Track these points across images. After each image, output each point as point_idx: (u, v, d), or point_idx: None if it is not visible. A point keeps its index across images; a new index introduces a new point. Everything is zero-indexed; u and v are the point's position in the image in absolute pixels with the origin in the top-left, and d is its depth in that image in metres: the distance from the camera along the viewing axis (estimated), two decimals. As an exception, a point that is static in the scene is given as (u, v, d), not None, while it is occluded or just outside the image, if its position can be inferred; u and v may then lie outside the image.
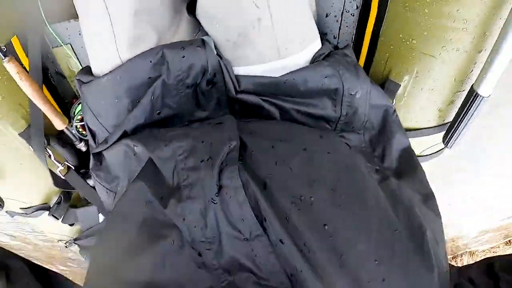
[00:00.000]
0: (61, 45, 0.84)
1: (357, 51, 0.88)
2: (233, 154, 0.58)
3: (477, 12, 0.69)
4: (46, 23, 0.81)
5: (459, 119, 0.81)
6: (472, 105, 0.78)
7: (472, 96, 0.77)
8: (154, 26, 0.68)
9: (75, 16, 0.80)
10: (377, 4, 0.80)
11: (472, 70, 0.77)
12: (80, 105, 0.87)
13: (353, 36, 0.89)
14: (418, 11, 0.75)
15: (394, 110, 0.80)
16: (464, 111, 0.79)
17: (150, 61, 0.67)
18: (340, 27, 0.88)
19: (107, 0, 0.63)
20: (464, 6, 0.69)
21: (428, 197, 0.69)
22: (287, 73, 0.71)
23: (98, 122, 0.75)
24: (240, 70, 0.72)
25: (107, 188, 0.80)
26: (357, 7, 0.84)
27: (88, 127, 0.79)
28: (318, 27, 0.78)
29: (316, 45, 0.75)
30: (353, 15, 0.86)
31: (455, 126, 0.82)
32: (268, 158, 0.59)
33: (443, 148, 0.96)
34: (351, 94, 0.72)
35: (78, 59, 0.90)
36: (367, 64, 0.88)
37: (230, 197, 0.55)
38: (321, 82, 0.70)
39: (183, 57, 0.67)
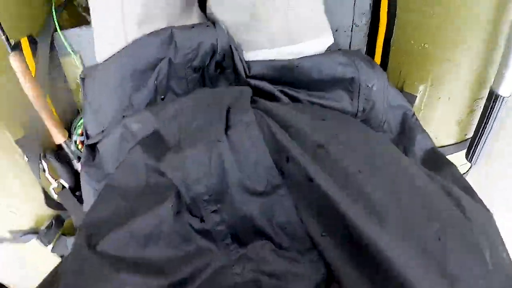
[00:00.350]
0: (70, 53, 0.83)
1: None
2: (245, 96, 0.54)
3: (486, 7, 0.68)
4: (58, 28, 0.82)
5: (482, 126, 0.76)
6: (494, 108, 0.74)
7: (492, 98, 0.73)
8: (164, 10, 0.66)
9: (88, 22, 0.80)
10: (386, 13, 0.81)
11: (488, 72, 0.74)
12: (82, 119, 0.84)
13: (365, 50, 0.88)
14: (427, 14, 0.75)
15: (414, 114, 0.75)
16: (486, 116, 0.75)
17: (158, 39, 0.64)
18: (350, 41, 0.87)
19: None
20: (473, 3, 0.69)
21: (469, 190, 0.58)
22: (300, 58, 0.67)
23: (97, 121, 0.71)
24: (250, 55, 0.69)
25: (94, 189, 0.73)
26: (367, 21, 0.85)
27: (86, 132, 0.74)
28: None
29: (328, 38, 0.72)
30: (363, 29, 0.86)
31: (478, 135, 0.77)
32: (287, 109, 0.54)
33: (468, 170, 0.90)
34: (368, 86, 0.67)
35: (85, 72, 0.89)
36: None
37: (240, 134, 0.48)
38: (335, 69, 0.66)
39: (193, 35, 0.65)
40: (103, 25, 0.67)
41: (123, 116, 0.66)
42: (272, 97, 0.66)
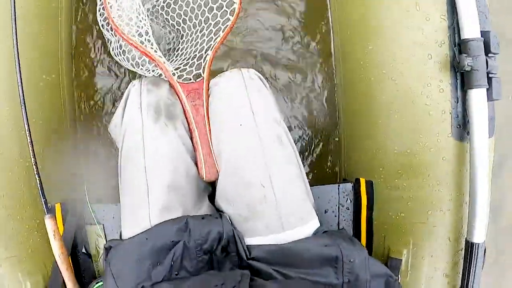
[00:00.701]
0: (95, 224, 0.93)
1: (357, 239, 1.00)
2: (244, 280, 0.67)
3: (446, 172, 0.89)
4: (88, 201, 0.94)
5: (467, 275, 0.85)
6: (473, 255, 0.85)
7: (469, 247, 0.85)
8: (181, 202, 0.83)
9: (113, 200, 0.95)
10: (365, 192, 1.00)
11: (462, 225, 0.89)
12: (98, 284, 0.88)
13: (351, 225, 1.02)
14: (398, 187, 0.95)
15: (396, 279, 0.84)
16: (468, 264, 0.85)
17: (175, 227, 0.79)
18: (338, 221, 1.03)
19: (148, 175, 0.82)
20: (435, 169, 0.90)
21: None
22: (292, 241, 0.81)
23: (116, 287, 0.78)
24: (250, 240, 0.83)
25: None
26: (351, 201, 1.03)
27: None
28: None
29: (315, 223, 0.87)
30: (348, 208, 1.03)
31: (465, 284, 0.85)
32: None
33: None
34: (350, 261, 0.78)
35: (107, 240, 0.96)
36: (368, 249, 0.97)
37: None
38: (321, 250, 0.79)
39: (203, 225, 0.80)
40: (131, 208, 0.83)
41: (142, 287, 0.75)
42: (268, 275, 0.78)
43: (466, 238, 0.87)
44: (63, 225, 0.91)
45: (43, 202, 0.85)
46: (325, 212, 1.03)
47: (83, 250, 0.96)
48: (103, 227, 0.96)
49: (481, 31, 0.82)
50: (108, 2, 0.88)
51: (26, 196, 0.92)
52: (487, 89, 0.83)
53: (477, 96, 0.82)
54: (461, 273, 0.88)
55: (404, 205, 0.94)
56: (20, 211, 0.91)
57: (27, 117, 0.83)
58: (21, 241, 0.90)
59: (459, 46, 0.84)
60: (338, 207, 1.04)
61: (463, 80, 0.85)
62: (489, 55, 0.82)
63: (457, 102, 0.87)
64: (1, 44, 0.90)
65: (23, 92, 0.83)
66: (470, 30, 0.81)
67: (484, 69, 0.81)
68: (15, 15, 0.83)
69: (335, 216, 1.04)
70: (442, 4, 0.85)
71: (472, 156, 0.84)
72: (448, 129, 0.88)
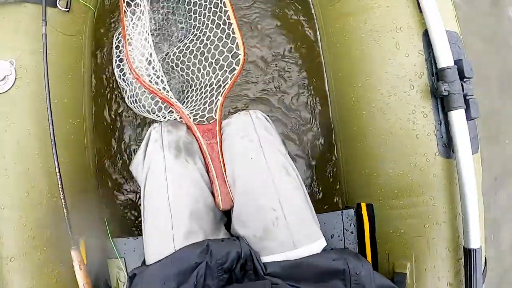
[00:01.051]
0: (117, 258, 0.98)
1: (363, 259, 1.06)
2: None
3: (437, 187, 0.99)
4: (109, 236, 1.00)
5: (469, 281, 0.92)
6: (471, 261, 0.92)
7: (467, 254, 0.93)
8: (202, 228, 0.91)
9: (132, 234, 1.01)
10: (366, 215, 1.08)
11: (459, 234, 0.97)
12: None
13: (357, 248, 1.09)
14: (396, 206, 1.04)
15: None
16: (469, 271, 0.92)
17: (198, 249, 0.86)
18: (344, 245, 1.09)
19: (172, 205, 0.90)
20: (428, 186, 1.00)
21: None
22: (303, 257, 0.88)
23: None
24: (265, 258, 0.90)
25: None
26: (354, 225, 1.11)
27: None
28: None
29: (322, 241, 0.95)
30: (353, 232, 1.10)
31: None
32: None
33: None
34: (356, 274, 0.86)
35: (127, 273, 1.00)
36: (374, 267, 1.03)
37: None
38: (330, 264, 0.87)
39: (223, 246, 0.87)
40: (156, 236, 0.91)
41: None
42: None
43: (463, 246, 0.95)
44: (86, 258, 0.96)
45: (70, 235, 0.91)
46: (331, 237, 1.11)
47: (105, 283, 1.00)
48: (124, 261, 1.01)
49: (454, 60, 0.96)
50: (130, 55, 1.01)
51: (53, 229, 0.97)
52: (465, 110, 0.95)
53: (456, 117, 0.94)
54: (463, 280, 0.95)
55: (403, 222, 1.02)
56: (47, 242, 0.96)
57: (57, 155, 0.92)
58: (47, 272, 0.94)
59: (437, 75, 0.98)
60: (343, 232, 1.11)
61: (443, 104, 0.98)
62: (464, 80, 0.95)
63: (440, 124, 0.99)
64: (35, 94, 1.00)
65: (53, 133, 0.92)
66: (444, 60, 0.95)
67: (460, 92, 0.94)
68: (47, 69, 0.95)
69: (341, 240, 1.11)
70: (418, 41, 1.00)
71: (459, 171, 0.95)
72: (435, 148, 0.99)
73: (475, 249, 0.92)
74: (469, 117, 0.95)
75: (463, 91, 0.95)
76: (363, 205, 1.10)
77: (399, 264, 1.01)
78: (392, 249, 1.04)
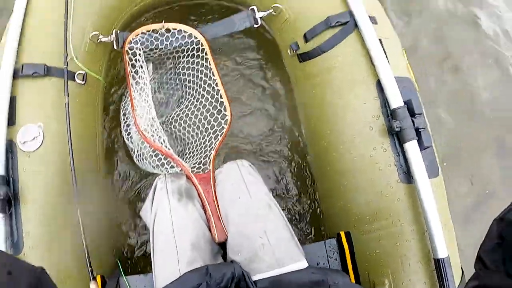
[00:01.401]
0: (130, 293, 1.11)
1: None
2: None
3: (403, 210, 1.15)
4: (123, 275, 1.13)
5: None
6: (442, 271, 1.06)
7: (437, 264, 1.07)
8: (202, 257, 1.07)
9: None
10: (346, 242, 1.23)
11: (428, 250, 1.11)
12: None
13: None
14: (370, 230, 1.20)
15: None
16: (442, 281, 1.05)
17: (199, 273, 1.01)
18: (329, 270, 1.23)
19: (177, 239, 1.07)
20: (394, 210, 1.16)
21: None
22: (286, 273, 1.04)
23: None
24: (256, 276, 1.05)
25: None
26: (336, 252, 1.26)
27: None
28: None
29: (304, 263, 1.09)
30: (336, 259, 1.25)
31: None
32: None
33: None
34: (335, 283, 1.01)
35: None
36: (357, 288, 1.17)
37: None
38: (310, 276, 1.03)
39: (220, 268, 1.01)
40: (164, 266, 1.07)
41: None
42: None
43: (433, 257, 1.09)
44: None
45: (89, 271, 1.05)
46: (317, 264, 1.25)
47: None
48: (137, 296, 1.14)
49: (404, 101, 1.16)
50: (138, 123, 1.23)
51: (73, 265, 1.12)
52: (418, 141, 1.13)
53: (410, 147, 1.13)
54: (438, 288, 1.08)
55: (377, 244, 1.17)
56: (67, 274, 1.10)
57: (77, 195, 1.09)
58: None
59: (391, 115, 1.18)
60: (328, 259, 1.26)
61: (399, 138, 1.17)
62: (415, 115, 1.14)
63: (399, 156, 1.18)
64: (59, 145, 1.19)
65: (75, 177, 1.11)
66: (395, 101, 1.16)
67: (411, 127, 1.13)
68: (69, 123, 1.16)
69: (326, 266, 1.24)
70: (373, 90, 1.22)
71: (418, 194, 1.11)
72: (396, 176, 1.17)
73: (443, 258, 1.06)
74: (422, 147, 1.14)
75: (414, 125, 1.14)
76: (342, 234, 1.26)
77: (378, 282, 1.14)
78: (371, 269, 1.18)
